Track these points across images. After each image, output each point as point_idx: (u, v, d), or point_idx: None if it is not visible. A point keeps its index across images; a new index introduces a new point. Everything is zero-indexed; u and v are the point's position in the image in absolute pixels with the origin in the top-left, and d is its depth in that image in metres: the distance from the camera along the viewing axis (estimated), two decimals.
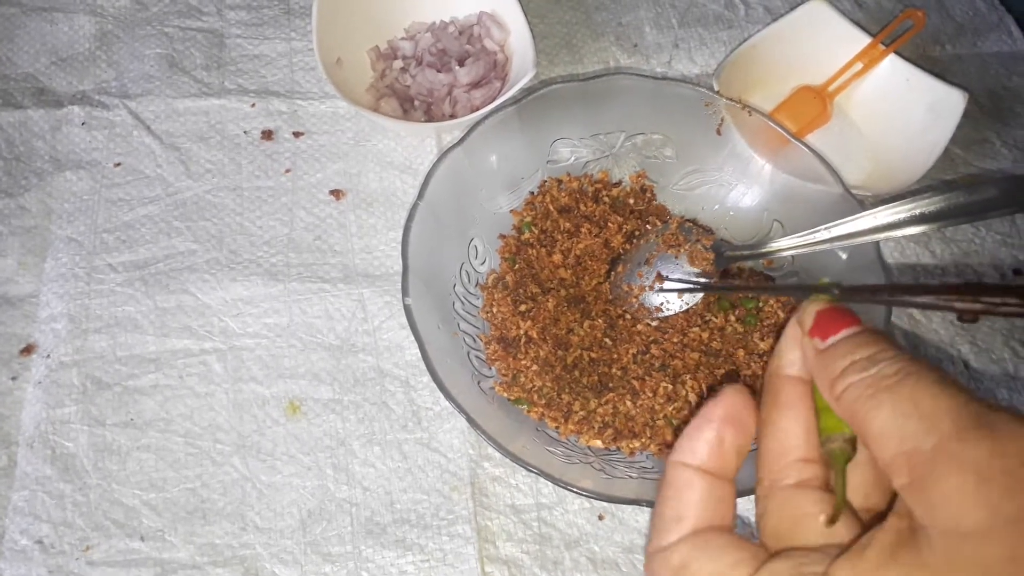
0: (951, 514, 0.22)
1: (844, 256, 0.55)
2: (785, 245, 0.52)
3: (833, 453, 0.28)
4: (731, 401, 0.30)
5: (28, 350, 0.57)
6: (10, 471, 0.53)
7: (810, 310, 0.29)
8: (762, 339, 0.56)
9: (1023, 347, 0.62)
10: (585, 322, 0.56)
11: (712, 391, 0.54)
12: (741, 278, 0.60)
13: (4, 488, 0.53)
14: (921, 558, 0.22)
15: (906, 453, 0.23)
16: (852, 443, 0.28)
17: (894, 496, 0.26)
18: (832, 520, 0.27)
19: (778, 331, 0.40)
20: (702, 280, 0.54)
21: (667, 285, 0.54)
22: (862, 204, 0.54)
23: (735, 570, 0.25)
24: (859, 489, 0.29)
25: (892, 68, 0.67)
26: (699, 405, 0.52)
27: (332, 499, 0.53)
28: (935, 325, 0.62)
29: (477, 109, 0.64)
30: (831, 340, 0.28)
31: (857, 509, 0.29)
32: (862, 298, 0.32)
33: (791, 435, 0.28)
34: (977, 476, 0.21)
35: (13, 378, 0.56)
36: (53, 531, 0.51)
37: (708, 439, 0.29)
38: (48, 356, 0.57)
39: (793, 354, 0.30)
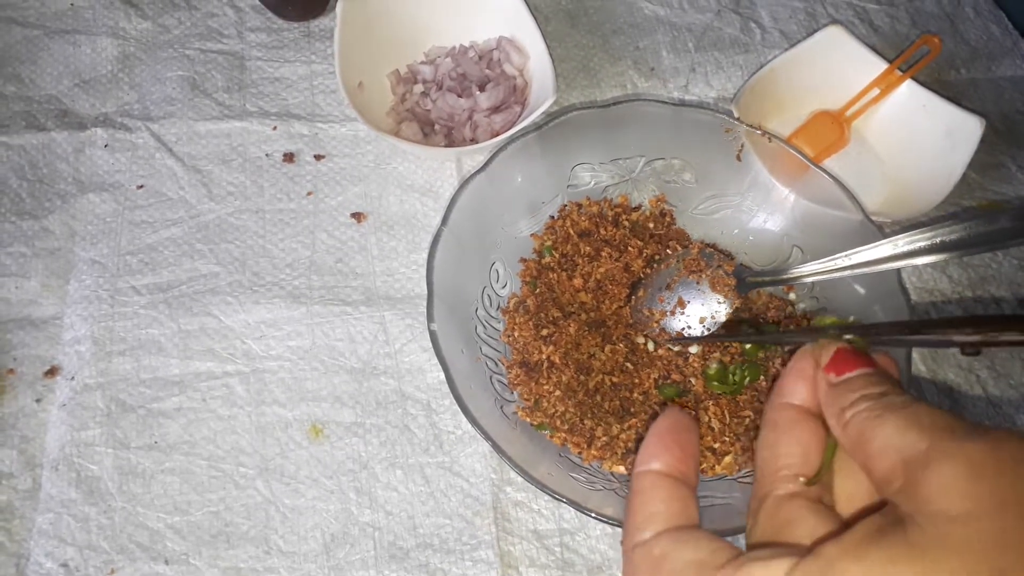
0: (941, 501, 0.23)
1: (862, 290, 0.55)
2: (806, 271, 0.52)
3: None
4: (675, 413, 0.33)
5: (52, 372, 0.58)
6: (35, 494, 0.53)
7: (829, 348, 0.31)
8: (782, 364, 0.56)
9: None
10: (607, 347, 0.57)
11: (734, 416, 0.54)
12: (759, 304, 0.60)
13: (29, 511, 0.53)
14: (908, 539, 0.23)
15: (903, 460, 0.24)
16: None
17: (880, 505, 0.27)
18: (812, 481, 0.28)
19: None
20: (707, 333, 0.55)
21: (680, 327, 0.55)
22: (881, 231, 0.55)
23: (714, 556, 0.26)
24: (854, 498, 0.30)
25: (909, 93, 0.68)
26: (721, 432, 0.53)
27: (355, 523, 0.54)
28: (954, 350, 0.63)
29: (497, 134, 0.64)
30: (845, 376, 0.29)
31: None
32: (864, 337, 0.33)
33: (788, 454, 0.30)
34: (969, 467, 0.23)
35: (37, 400, 0.57)
36: (78, 554, 0.51)
37: (665, 446, 0.31)
38: (72, 378, 0.57)
39: (795, 386, 0.31)
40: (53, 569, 0.51)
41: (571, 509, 0.54)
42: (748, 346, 0.57)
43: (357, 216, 0.65)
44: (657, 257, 0.60)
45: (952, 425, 0.24)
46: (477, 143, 0.64)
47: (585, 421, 0.53)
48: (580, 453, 0.53)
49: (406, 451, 0.56)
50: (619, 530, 0.54)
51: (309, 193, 0.66)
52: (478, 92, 0.67)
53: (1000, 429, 0.24)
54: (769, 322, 0.58)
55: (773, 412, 0.31)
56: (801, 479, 0.29)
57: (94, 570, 0.51)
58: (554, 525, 0.54)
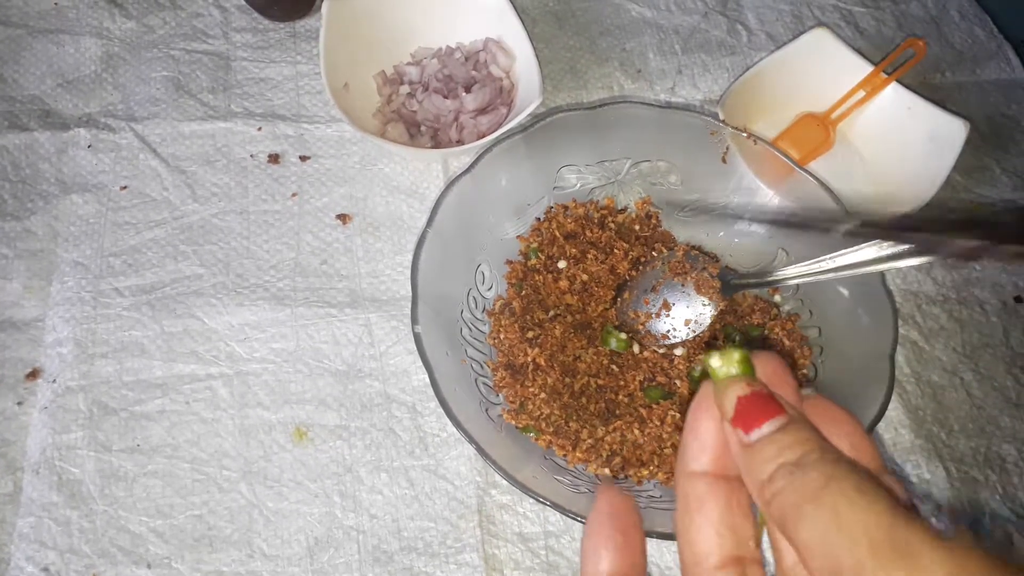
0: None
1: (847, 292, 0.55)
2: (791, 274, 0.52)
3: None
4: (611, 495, 0.29)
5: (34, 375, 0.57)
6: (16, 497, 0.53)
7: (730, 395, 0.26)
8: None
9: None
10: (591, 349, 0.57)
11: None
12: (744, 306, 0.60)
13: (10, 515, 0.52)
14: None
15: (829, 569, 0.23)
16: None
17: None
18: (755, 543, 0.26)
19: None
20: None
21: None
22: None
23: None
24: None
25: (894, 96, 0.68)
26: None
27: (339, 526, 0.53)
28: (938, 352, 0.63)
29: (483, 135, 0.64)
30: (756, 435, 0.26)
31: None
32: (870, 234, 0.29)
33: (704, 539, 0.27)
34: None
35: (19, 403, 0.56)
36: (59, 558, 0.51)
37: (607, 537, 0.28)
38: (54, 381, 0.57)
39: (697, 450, 0.27)
40: (34, 573, 0.51)
41: (556, 512, 0.54)
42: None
43: (342, 217, 0.65)
44: (643, 259, 0.60)
45: (873, 533, 0.22)
46: (463, 144, 0.64)
47: (570, 423, 0.53)
48: (565, 456, 0.53)
49: (391, 454, 0.56)
50: None
51: (294, 194, 0.66)
52: (464, 93, 0.67)
53: (927, 543, 0.20)
54: (754, 325, 0.58)
55: (681, 484, 0.28)
56: (751, 543, 0.26)
57: (75, 574, 0.51)
58: (539, 528, 0.54)
